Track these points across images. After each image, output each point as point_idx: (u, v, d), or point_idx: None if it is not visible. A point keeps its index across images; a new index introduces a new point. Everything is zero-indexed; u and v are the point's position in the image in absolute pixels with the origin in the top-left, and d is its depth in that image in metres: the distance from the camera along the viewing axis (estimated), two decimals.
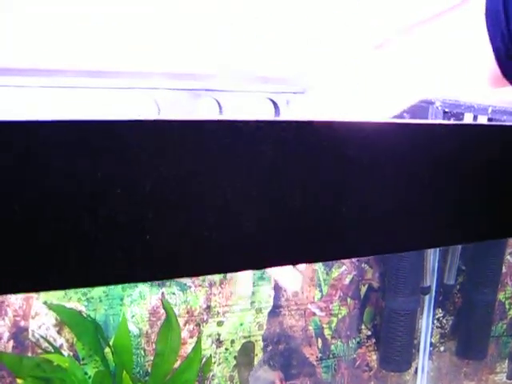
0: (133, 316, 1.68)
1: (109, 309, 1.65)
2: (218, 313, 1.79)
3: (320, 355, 1.98)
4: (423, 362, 2.12)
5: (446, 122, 0.34)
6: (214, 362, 1.82)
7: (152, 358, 1.70)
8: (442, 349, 2.18)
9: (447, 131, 0.34)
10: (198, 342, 1.76)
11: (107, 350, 1.63)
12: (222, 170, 0.27)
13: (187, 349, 1.75)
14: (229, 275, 1.76)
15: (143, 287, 1.68)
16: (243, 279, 0.72)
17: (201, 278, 1.73)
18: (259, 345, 1.88)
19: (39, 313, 1.58)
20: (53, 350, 1.58)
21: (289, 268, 0.69)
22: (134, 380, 1.63)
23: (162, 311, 1.70)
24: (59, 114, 0.24)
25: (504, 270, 2.16)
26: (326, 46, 0.92)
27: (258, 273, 1.71)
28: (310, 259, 0.32)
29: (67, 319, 1.59)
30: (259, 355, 1.88)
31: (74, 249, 0.25)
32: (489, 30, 0.52)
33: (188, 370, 1.70)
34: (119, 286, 1.64)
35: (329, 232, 0.31)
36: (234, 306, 1.80)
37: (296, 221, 0.30)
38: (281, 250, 0.30)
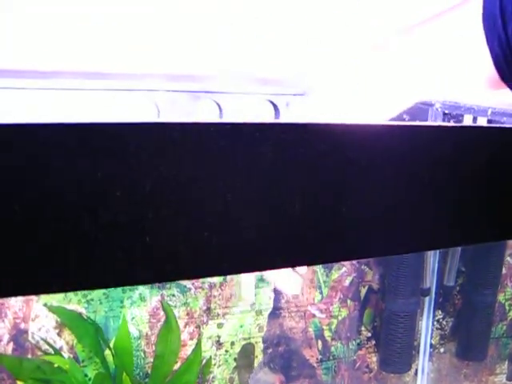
0: (133, 318, 1.68)
1: (109, 311, 1.65)
2: (218, 315, 1.79)
3: (320, 357, 1.97)
4: (423, 363, 2.11)
5: (445, 123, 0.34)
6: (214, 364, 1.82)
7: (152, 360, 1.70)
8: (441, 350, 2.18)
9: (447, 133, 0.34)
10: (198, 343, 1.76)
11: (107, 351, 1.63)
12: (221, 171, 0.27)
13: (187, 351, 1.75)
14: (229, 277, 1.76)
15: (143, 289, 1.68)
16: (247, 285, 0.72)
17: (201, 279, 1.73)
18: (259, 347, 1.88)
19: (39, 315, 1.58)
20: (53, 352, 1.58)
21: (288, 271, 0.69)
22: (133, 382, 1.63)
23: (162, 313, 1.70)
24: (59, 115, 0.24)
25: (504, 271, 2.16)
26: (326, 46, 0.92)
27: (257, 275, 1.71)
28: (310, 261, 0.32)
29: (68, 321, 1.59)
30: (259, 357, 1.88)
31: (74, 249, 0.25)
32: (486, 34, 0.52)
33: (188, 372, 1.70)
34: (119, 288, 1.64)
35: (329, 234, 0.31)
36: (233, 308, 1.80)
37: (296, 222, 0.30)
38: (281, 251, 0.30)
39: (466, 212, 0.35)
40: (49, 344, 1.58)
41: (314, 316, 1.94)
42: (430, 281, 1.97)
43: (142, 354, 1.71)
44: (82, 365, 1.63)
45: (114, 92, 0.84)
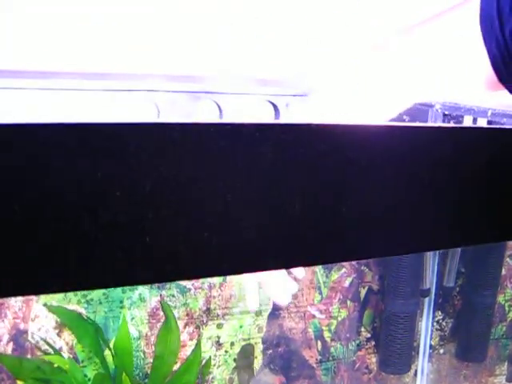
0: (132, 318, 1.68)
1: (108, 311, 1.65)
2: (218, 315, 1.79)
3: (320, 357, 1.97)
4: (423, 364, 2.11)
5: (445, 124, 0.34)
6: (214, 365, 1.82)
7: (151, 361, 1.70)
8: (441, 351, 2.18)
9: (447, 134, 0.34)
10: (198, 344, 1.76)
11: (107, 352, 1.63)
12: (221, 171, 0.27)
13: (187, 351, 1.75)
14: (229, 278, 1.76)
15: (143, 289, 1.68)
16: (252, 293, 0.72)
17: (200, 280, 1.73)
18: (259, 347, 1.88)
19: (39, 315, 1.58)
20: (52, 353, 1.58)
21: (281, 281, 0.69)
22: (133, 382, 1.63)
23: (162, 313, 1.70)
24: (59, 115, 0.24)
25: (503, 272, 2.16)
26: (326, 47, 0.92)
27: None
28: (310, 261, 0.32)
29: (68, 321, 1.59)
30: (259, 358, 1.88)
31: (74, 249, 0.25)
32: (483, 36, 0.52)
33: (187, 373, 1.70)
34: (119, 288, 1.64)
35: (329, 234, 0.31)
36: (233, 309, 1.80)
37: (296, 222, 0.30)
38: (281, 251, 0.30)
39: (466, 213, 0.35)
40: (48, 344, 1.58)
41: (313, 317, 1.94)
42: (430, 282, 1.97)
43: (142, 354, 1.71)
44: (82, 365, 1.63)
45: (114, 92, 0.84)
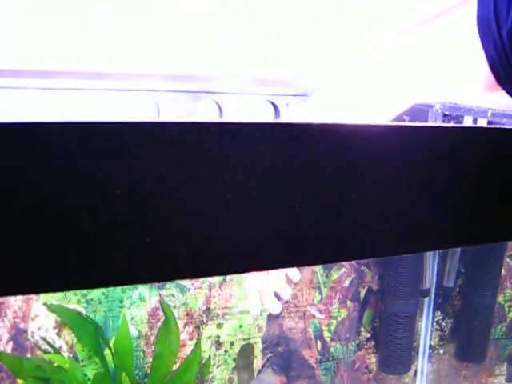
0: (132, 318, 1.68)
1: (108, 311, 1.65)
2: (218, 315, 1.79)
3: (319, 357, 1.97)
4: (422, 364, 2.11)
5: (445, 124, 0.34)
6: (214, 364, 1.82)
7: (151, 360, 1.70)
8: (441, 351, 2.18)
9: (447, 134, 0.34)
10: (198, 344, 1.76)
11: (106, 351, 1.63)
12: (221, 171, 0.27)
13: (186, 351, 1.75)
14: (229, 277, 1.76)
15: (143, 289, 1.68)
16: (253, 297, 0.72)
17: (200, 279, 1.73)
18: (258, 347, 1.88)
19: (39, 314, 1.58)
20: (52, 352, 1.58)
21: (274, 289, 0.69)
22: (133, 382, 1.63)
23: (162, 313, 1.70)
24: (59, 115, 0.24)
25: (503, 272, 2.16)
26: (326, 47, 0.92)
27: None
28: (310, 261, 0.32)
29: (68, 320, 1.59)
30: (258, 357, 1.88)
31: (74, 249, 0.25)
32: (481, 37, 0.52)
33: (187, 372, 1.70)
34: (119, 288, 1.64)
35: (329, 234, 0.31)
36: (233, 309, 1.80)
37: (296, 222, 0.30)
38: (281, 251, 0.30)
39: (466, 212, 0.35)
40: (48, 343, 1.58)
41: (313, 316, 1.94)
42: (430, 282, 1.97)
43: (142, 353, 1.71)
44: (82, 364, 1.63)
45: (114, 92, 0.84)
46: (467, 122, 1.18)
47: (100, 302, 1.64)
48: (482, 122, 1.18)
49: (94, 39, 0.81)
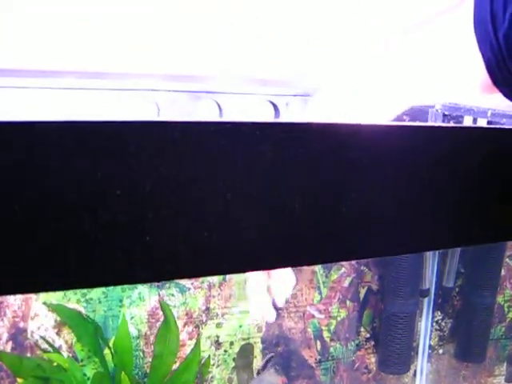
0: (132, 317, 1.68)
1: (108, 310, 1.65)
2: (217, 315, 1.79)
3: (319, 357, 1.97)
4: (422, 364, 2.11)
5: (445, 124, 0.34)
6: (213, 364, 1.82)
7: (150, 360, 1.70)
8: (440, 351, 2.18)
9: (446, 134, 0.34)
10: (197, 343, 1.76)
11: (106, 351, 1.63)
12: (221, 171, 0.27)
13: (186, 351, 1.75)
14: (228, 277, 1.76)
15: (142, 288, 1.68)
16: (255, 302, 0.72)
17: (200, 279, 1.73)
18: (258, 347, 1.88)
19: (38, 314, 1.58)
20: (52, 351, 1.58)
21: (269, 300, 0.69)
22: (132, 381, 1.63)
23: (161, 313, 1.70)
24: (59, 115, 0.24)
25: (503, 272, 2.16)
26: (326, 47, 0.92)
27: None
28: (310, 261, 0.32)
29: (67, 320, 1.59)
30: (258, 357, 1.88)
31: (74, 249, 0.25)
32: (478, 39, 0.52)
33: (186, 372, 1.70)
34: (118, 287, 1.64)
35: (329, 234, 0.31)
36: (233, 308, 1.80)
37: (296, 222, 0.30)
38: (281, 251, 0.30)
39: (465, 213, 0.35)
40: (48, 343, 1.58)
41: (313, 316, 1.94)
42: (430, 282, 1.97)
43: (141, 353, 1.71)
44: (81, 364, 1.63)
45: (114, 92, 0.84)
46: (467, 122, 1.18)
47: (100, 302, 1.64)
48: (482, 122, 1.18)
49: (94, 39, 0.81)
